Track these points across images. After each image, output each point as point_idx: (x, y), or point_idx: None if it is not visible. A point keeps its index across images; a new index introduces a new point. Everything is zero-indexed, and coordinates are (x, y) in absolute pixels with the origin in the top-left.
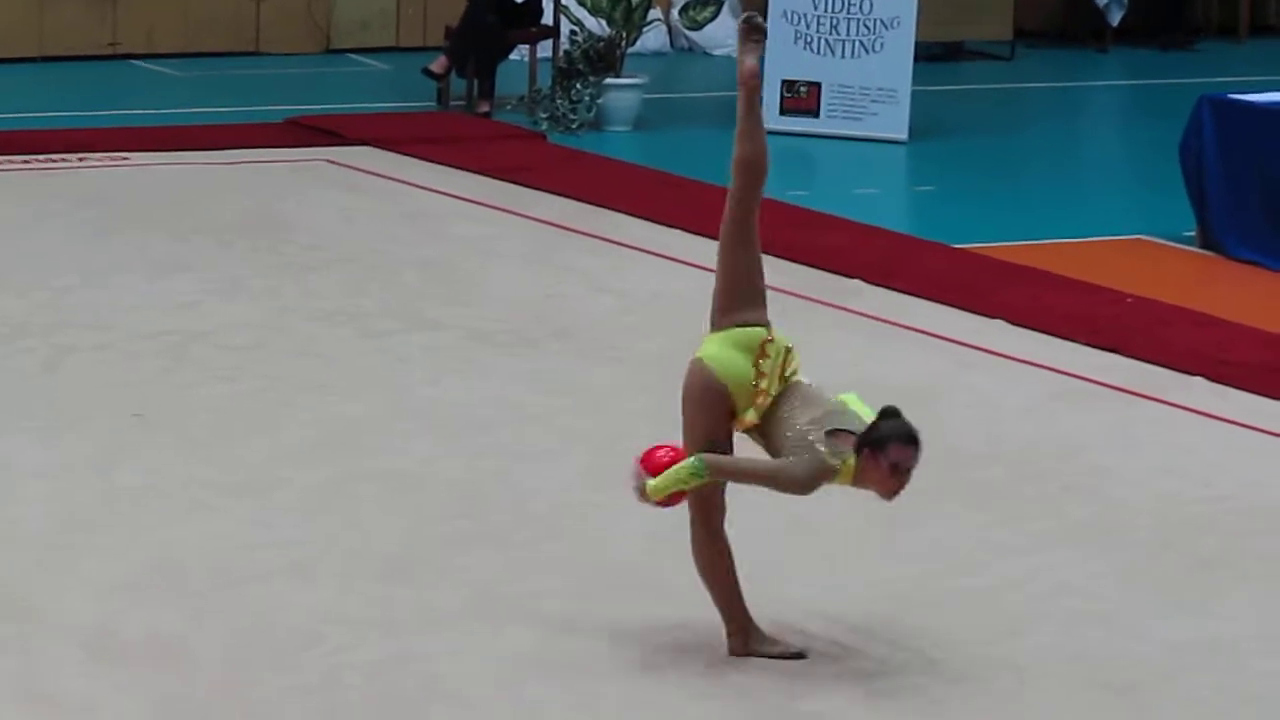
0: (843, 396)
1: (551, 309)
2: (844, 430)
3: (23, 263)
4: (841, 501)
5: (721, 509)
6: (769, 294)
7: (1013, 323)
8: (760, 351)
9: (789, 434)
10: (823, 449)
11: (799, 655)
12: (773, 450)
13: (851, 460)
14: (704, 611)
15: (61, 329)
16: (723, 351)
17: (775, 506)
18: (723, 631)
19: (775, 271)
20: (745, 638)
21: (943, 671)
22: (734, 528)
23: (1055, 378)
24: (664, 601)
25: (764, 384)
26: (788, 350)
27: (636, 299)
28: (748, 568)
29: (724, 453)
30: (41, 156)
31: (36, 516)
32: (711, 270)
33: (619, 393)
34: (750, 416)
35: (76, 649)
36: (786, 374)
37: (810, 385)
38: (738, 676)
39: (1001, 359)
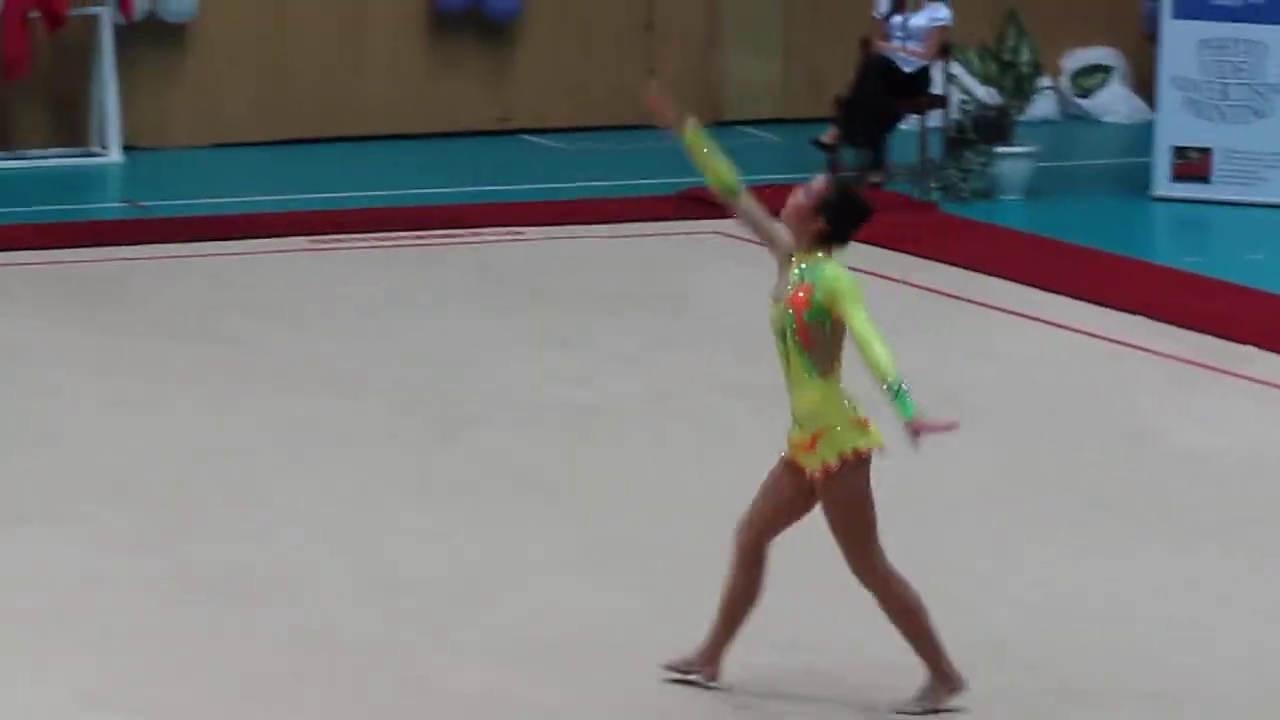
0: None
1: (934, 379)
2: None
3: (417, 336)
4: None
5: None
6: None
7: None
8: None
9: None
10: None
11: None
12: None
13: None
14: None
15: (456, 403)
16: None
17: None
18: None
19: (1165, 337)
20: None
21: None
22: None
23: None
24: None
25: None
26: None
27: (1016, 363)
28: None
29: None
30: (434, 232)
31: (427, 579)
32: (1101, 336)
33: (1007, 460)
34: None
35: None
36: None
37: None
38: None
39: None
